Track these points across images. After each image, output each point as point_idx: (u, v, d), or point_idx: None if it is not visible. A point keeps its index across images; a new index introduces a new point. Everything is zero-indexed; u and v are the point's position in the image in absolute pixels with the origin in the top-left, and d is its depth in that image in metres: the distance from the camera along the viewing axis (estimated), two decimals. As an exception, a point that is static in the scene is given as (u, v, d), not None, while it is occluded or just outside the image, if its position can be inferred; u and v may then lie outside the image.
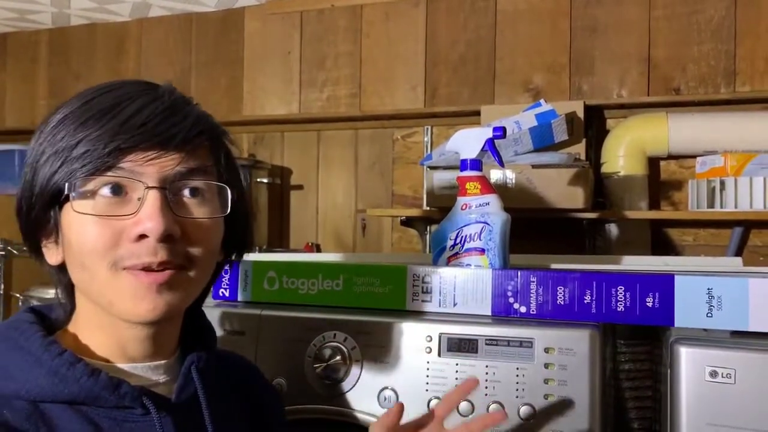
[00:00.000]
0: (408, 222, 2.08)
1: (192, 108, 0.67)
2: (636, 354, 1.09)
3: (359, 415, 0.93)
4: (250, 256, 1.19)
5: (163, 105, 0.63)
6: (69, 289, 0.68)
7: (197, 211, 0.64)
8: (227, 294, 1.08)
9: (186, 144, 0.63)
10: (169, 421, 0.64)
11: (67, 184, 0.60)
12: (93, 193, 0.61)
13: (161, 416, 0.63)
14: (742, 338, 0.85)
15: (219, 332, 1.03)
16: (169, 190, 0.62)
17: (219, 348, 0.78)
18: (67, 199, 0.61)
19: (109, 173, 0.60)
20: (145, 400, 0.62)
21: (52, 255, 0.66)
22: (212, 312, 1.01)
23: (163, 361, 0.68)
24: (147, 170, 0.61)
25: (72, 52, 2.67)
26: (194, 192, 0.64)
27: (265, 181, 2.23)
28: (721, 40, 1.90)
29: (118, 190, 0.61)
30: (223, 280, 1.08)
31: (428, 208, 1.91)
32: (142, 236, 0.60)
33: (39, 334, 0.63)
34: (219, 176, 0.67)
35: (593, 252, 1.90)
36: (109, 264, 0.60)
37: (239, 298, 1.08)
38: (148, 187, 0.60)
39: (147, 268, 0.61)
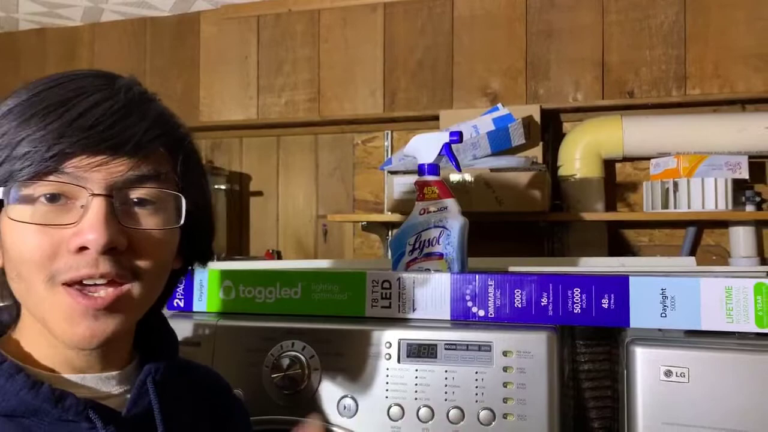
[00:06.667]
0: (369, 227, 2.07)
1: (151, 107, 0.62)
2: (595, 354, 1.10)
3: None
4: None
5: (118, 104, 0.58)
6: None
7: (147, 221, 0.59)
8: (182, 305, 1.06)
9: (138, 149, 0.58)
10: None
11: (2, 189, 0.56)
12: (32, 199, 0.56)
13: (108, 431, 0.59)
14: (695, 337, 0.87)
15: (174, 344, 1.00)
16: (116, 198, 0.57)
17: (182, 358, 0.73)
18: (3, 203, 0.56)
19: (51, 178, 0.55)
20: (91, 413, 0.58)
21: None
22: (167, 323, 0.98)
23: (115, 372, 0.64)
24: (93, 176, 0.56)
25: (21, 57, 2.60)
26: (144, 200, 0.59)
27: (224, 187, 2.20)
28: (672, 44, 1.95)
29: (58, 197, 0.56)
30: (178, 290, 1.06)
31: (389, 213, 1.91)
32: (83, 248, 0.55)
33: None
34: (175, 183, 0.62)
35: (552, 254, 1.92)
36: (46, 278, 0.56)
37: (194, 309, 1.05)
38: (93, 195, 0.56)
39: (86, 285, 0.56)
